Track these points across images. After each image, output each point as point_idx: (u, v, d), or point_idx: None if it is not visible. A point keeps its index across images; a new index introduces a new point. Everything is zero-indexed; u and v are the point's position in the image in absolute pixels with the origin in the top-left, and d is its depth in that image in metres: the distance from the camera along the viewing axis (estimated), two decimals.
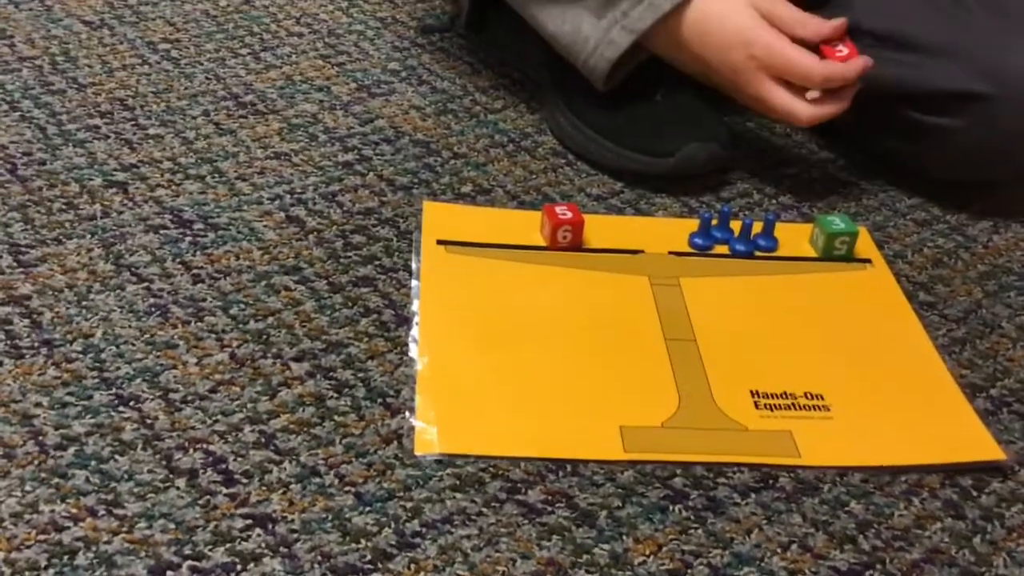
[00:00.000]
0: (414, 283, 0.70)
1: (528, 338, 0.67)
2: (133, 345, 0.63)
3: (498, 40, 0.96)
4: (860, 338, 0.70)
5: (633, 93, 0.83)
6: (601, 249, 0.75)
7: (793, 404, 0.64)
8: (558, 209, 0.74)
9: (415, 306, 0.68)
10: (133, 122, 0.84)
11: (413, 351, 0.65)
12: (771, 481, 0.59)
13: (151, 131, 0.83)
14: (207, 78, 0.90)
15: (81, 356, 0.62)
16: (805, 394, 0.64)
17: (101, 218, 0.73)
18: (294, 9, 1.03)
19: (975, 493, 0.60)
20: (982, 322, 0.73)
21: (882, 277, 0.75)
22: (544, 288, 0.71)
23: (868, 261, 0.76)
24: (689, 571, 0.54)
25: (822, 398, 0.64)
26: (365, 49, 0.97)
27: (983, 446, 0.62)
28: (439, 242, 0.74)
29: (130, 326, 0.64)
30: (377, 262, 0.72)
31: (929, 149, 0.83)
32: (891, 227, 0.81)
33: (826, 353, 0.68)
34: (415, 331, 0.66)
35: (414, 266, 0.72)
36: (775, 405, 0.63)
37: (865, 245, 0.78)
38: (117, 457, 0.56)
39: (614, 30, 0.76)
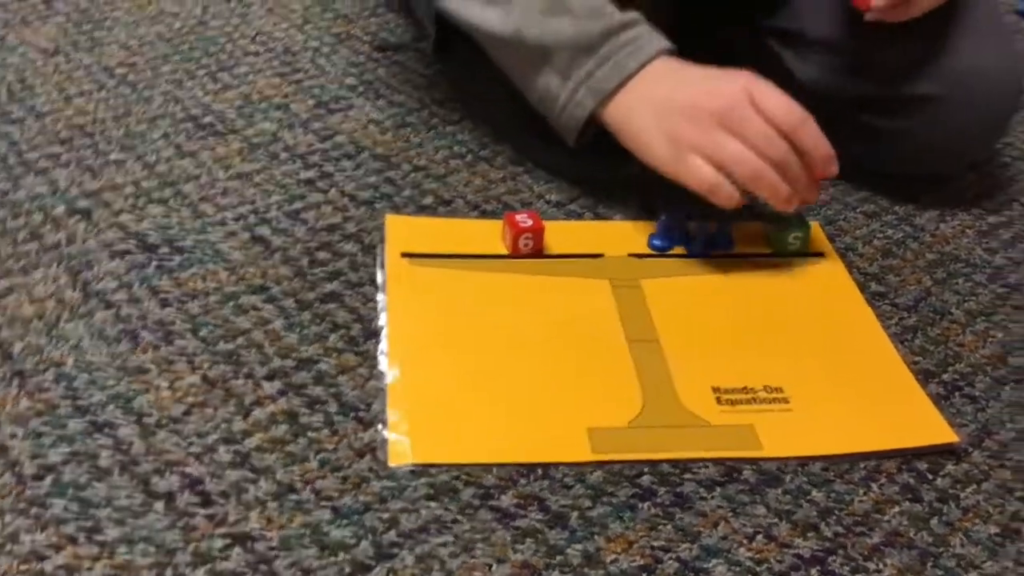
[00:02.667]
0: (380, 297, 0.71)
1: (494, 346, 0.68)
2: (105, 372, 0.64)
3: (463, 65, 0.97)
4: (816, 330, 0.72)
5: None
6: (562, 255, 0.77)
7: (754, 398, 0.66)
8: (518, 217, 0.76)
9: (382, 319, 0.69)
10: (93, 148, 0.84)
11: (382, 364, 0.66)
12: (735, 474, 0.61)
13: (112, 156, 0.83)
14: (165, 100, 0.91)
15: (54, 385, 0.63)
16: (765, 387, 0.66)
17: (66, 246, 0.74)
18: (249, 28, 1.03)
19: (931, 476, 0.62)
20: (932, 309, 0.76)
21: (835, 270, 0.78)
22: (508, 296, 0.73)
23: (821, 255, 0.79)
24: (659, 566, 0.56)
25: (781, 391, 0.66)
26: (322, 65, 0.98)
27: (937, 430, 0.64)
28: (403, 255, 0.75)
29: (101, 353, 0.65)
30: (343, 277, 0.73)
31: (880, 149, 0.85)
32: (842, 220, 0.84)
33: (784, 347, 0.70)
34: (383, 344, 0.67)
35: (379, 280, 0.73)
36: (736, 400, 0.65)
37: (818, 239, 0.80)
38: (95, 484, 0.57)
39: (580, 91, 0.75)
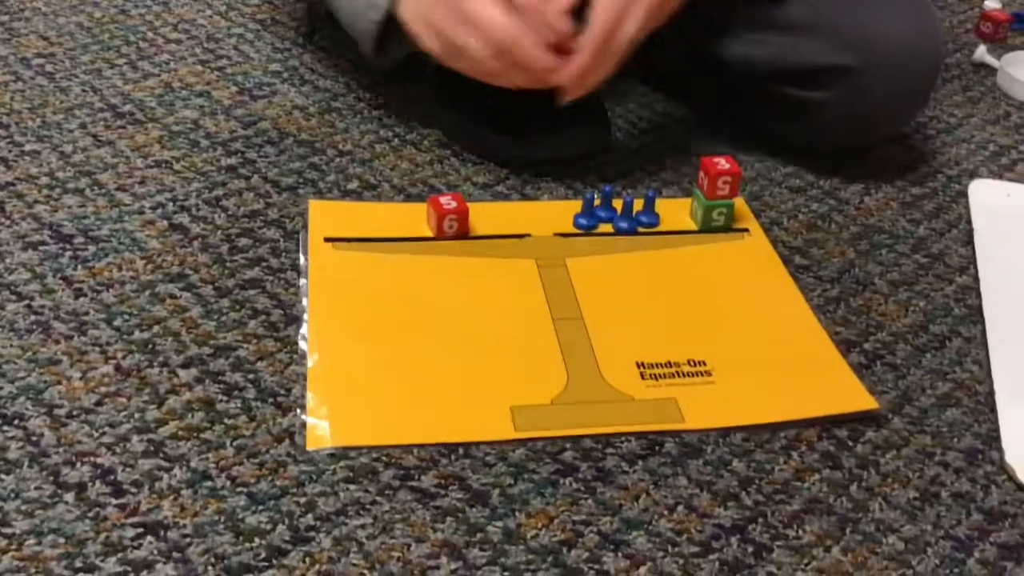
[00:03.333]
0: (302, 281, 0.70)
1: (418, 327, 0.68)
2: (15, 364, 0.62)
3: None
4: (740, 304, 0.72)
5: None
6: (488, 236, 0.76)
7: (677, 372, 0.66)
8: (443, 199, 0.75)
9: (304, 304, 0.69)
10: (8, 139, 0.82)
11: (303, 348, 0.65)
12: (657, 447, 0.61)
13: (27, 147, 0.81)
14: (83, 90, 0.89)
15: None
16: (688, 361, 0.66)
17: None
18: (171, 16, 1.02)
19: (851, 444, 0.63)
20: (855, 280, 0.76)
21: (759, 244, 0.78)
22: (432, 278, 0.72)
23: (745, 230, 0.79)
24: (580, 540, 0.55)
25: (704, 364, 0.66)
26: (245, 52, 0.97)
27: (857, 397, 0.65)
28: (326, 239, 0.74)
29: (12, 345, 0.64)
30: (264, 264, 0.72)
31: (802, 122, 0.86)
32: (767, 196, 0.84)
33: (708, 321, 0.70)
34: (304, 329, 0.67)
35: (302, 265, 0.72)
36: (660, 375, 0.65)
37: (742, 215, 0.80)
38: (3, 476, 0.56)
39: None
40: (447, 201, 0.75)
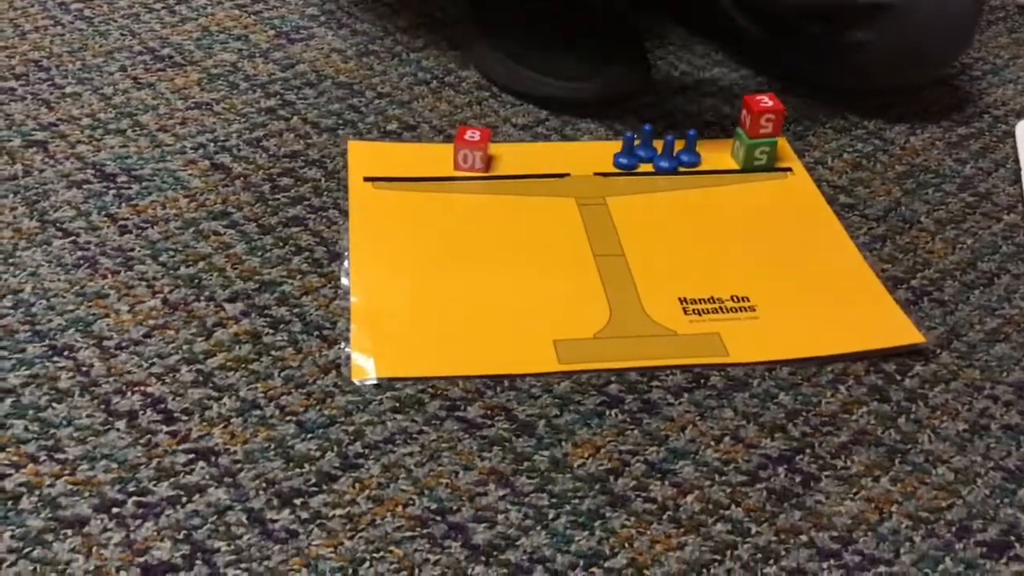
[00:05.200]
0: (343, 220, 0.70)
1: (459, 264, 0.67)
2: (63, 297, 0.63)
3: None
4: (783, 242, 0.71)
5: (567, 27, 0.84)
6: (527, 175, 0.76)
7: (720, 307, 0.65)
8: (468, 133, 0.75)
9: (346, 242, 0.69)
10: (49, 82, 0.83)
11: (346, 284, 0.65)
12: (703, 381, 0.61)
13: (68, 90, 0.82)
14: (122, 34, 0.89)
15: (12, 312, 0.62)
16: (732, 297, 0.66)
17: (23, 177, 0.72)
18: None
19: (899, 377, 0.62)
20: (901, 219, 0.75)
21: (802, 183, 0.77)
22: (472, 216, 0.72)
23: (788, 170, 0.78)
24: (627, 468, 0.55)
25: (748, 300, 0.66)
26: None
27: (904, 331, 0.64)
28: (366, 179, 0.74)
29: (59, 279, 0.64)
30: (306, 202, 0.72)
31: (843, 63, 0.84)
32: (811, 135, 0.83)
33: (750, 258, 0.70)
34: (347, 265, 0.67)
35: (343, 203, 0.72)
36: (703, 310, 0.65)
37: (785, 154, 0.80)
38: (55, 405, 0.56)
39: None
40: (471, 135, 0.75)
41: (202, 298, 0.64)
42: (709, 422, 0.58)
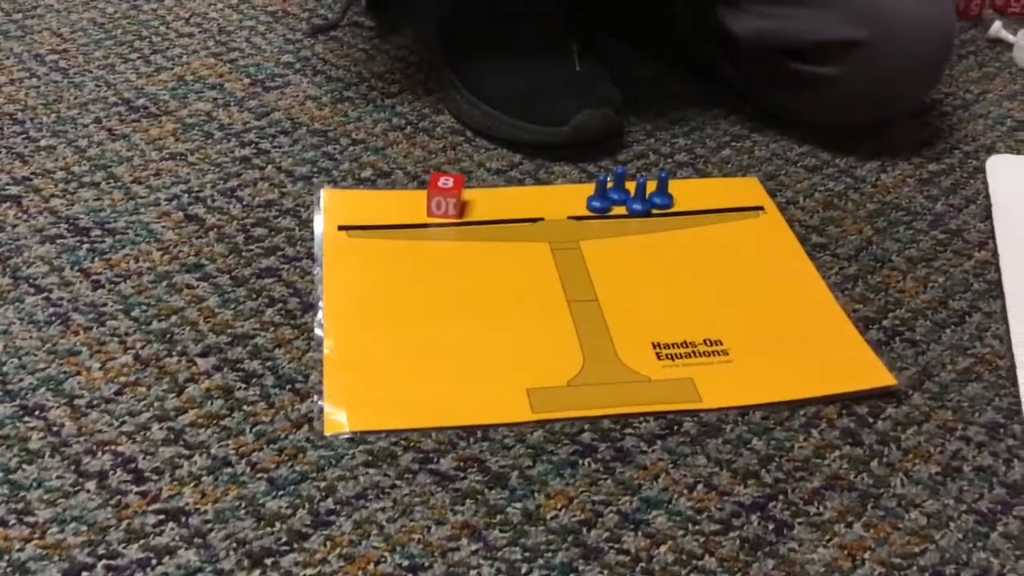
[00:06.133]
0: (317, 270, 0.71)
1: (432, 312, 0.68)
2: (35, 355, 0.63)
3: (394, 20, 0.97)
4: (756, 283, 0.72)
5: (544, 59, 0.84)
6: (501, 220, 0.76)
7: (693, 352, 0.65)
8: (441, 179, 0.75)
9: (319, 292, 0.69)
10: (24, 135, 0.83)
11: (319, 335, 0.65)
12: (676, 427, 0.61)
13: (43, 143, 0.82)
14: (97, 85, 0.90)
15: None
16: (704, 341, 0.66)
17: None
18: (183, 10, 1.02)
19: (871, 420, 0.62)
20: (873, 258, 0.76)
21: (775, 223, 0.77)
22: (446, 263, 0.72)
23: (761, 209, 0.79)
24: (600, 520, 0.55)
25: (721, 343, 0.66)
26: (257, 44, 0.97)
27: (876, 374, 0.64)
28: (340, 228, 0.74)
29: (31, 337, 0.64)
30: (280, 252, 0.72)
31: (814, 98, 0.85)
32: (783, 175, 0.84)
33: (723, 300, 0.70)
34: (320, 316, 0.67)
35: (316, 253, 0.72)
36: (676, 355, 0.65)
37: (757, 194, 0.80)
38: (25, 466, 0.56)
39: None
40: (444, 182, 0.75)
41: (174, 353, 0.64)
42: (682, 470, 0.58)
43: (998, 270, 0.74)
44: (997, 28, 1.06)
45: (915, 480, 0.59)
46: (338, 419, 0.60)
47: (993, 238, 0.78)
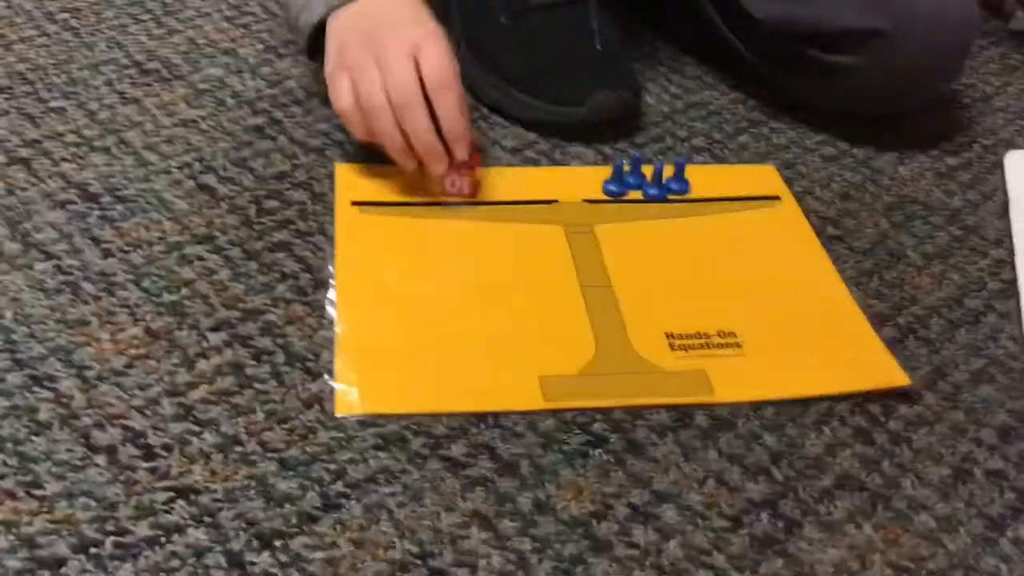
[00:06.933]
0: (329, 245, 0.70)
1: (444, 293, 0.67)
2: (45, 324, 0.62)
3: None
4: (770, 274, 0.71)
5: (563, 36, 0.83)
6: (516, 201, 0.75)
7: (706, 343, 0.65)
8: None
9: (331, 269, 0.68)
10: (34, 96, 0.82)
11: (331, 313, 0.65)
12: (688, 420, 0.61)
13: (53, 104, 0.81)
14: (108, 46, 0.88)
15: None
16: (718, 332, 0.66)
17: (6, 196, 0.71)
18: None
19: (883, 419, 0.62)
20: (889, 252, 0.75)
21: (791, 213, 0.77)
22: (459, 242, 0.71)
23: (777, 198, 0.78)
24: (610, 512, 0.55)
25: (734, 335, 0.66)
26: (271, 9, 0.95)
27: (889, 372, 0.64)
28: (353, 203, 0.74)
29: (40, 305, 0.63)
30: (292, 226, 0.72)
31: (834, 87, 0.84)
32: (800, 164, 0.83)
33: (738, 291, 0.69)
34: (332, 293, 0.66)
35: (329, 228, 0.71)
36: (689, 345, 0.65)
37: (774, 182, 0.79)
38: (34, 438, 0.56)
39: None
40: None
41: (185, 327, 0.63)
42: (693, 464, 0.58)
43: (1013, 269, 0.74)
44: (1020, 20, 1.05)
45: (926, 482, 0.59)
46: (349, 400, 0.59)
47: (1009, 236, 0.77)
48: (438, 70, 0.70)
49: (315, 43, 0.76)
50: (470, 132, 0.72)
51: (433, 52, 0.70)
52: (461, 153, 0.72)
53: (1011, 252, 0.76)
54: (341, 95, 0.71)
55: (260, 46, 0.90)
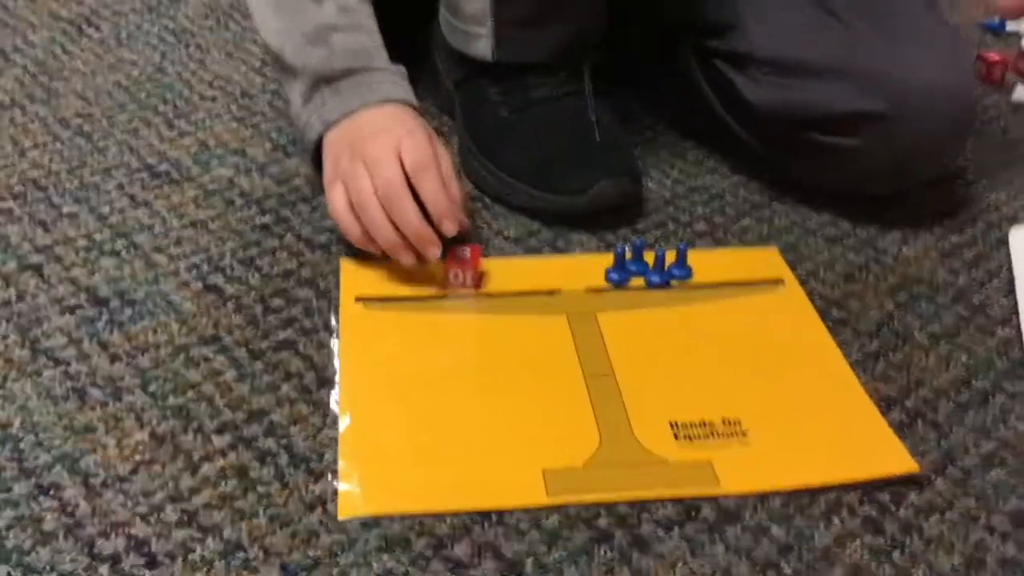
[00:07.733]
0: (334, 342, 0.71)
1: (448, 388, 0.67)
2: (51, 432, 0.63)
3: (416, 82, 0.97)
4: (775, 360, 0.71)
5: (563, 128, 0.85)
6: (518, 292, 0.76)
7: (712, 432, 0.65)
8: (458, 251, 0.75)
9: (335, 366, 0.69)
10: (47, 202, 0.84)
11: (335, 412, 0.65)
12: (694, 513, 0.60)
13: (65, 210, 0.83)
14: (120, 150, 0.90)
15: (0, 447, 0.62)
16: (723, 420, 0.65)
17: (16, 303, 0.73)
18: (207, 73, 1.03)
19: (893, 508, 0.61)
20: (894, 334, 0.75)
21: (795, 297, 0.77)
22: (463, 336, 0.72)
23: (781, 282, 0.78)
24: None
25: (740, 423, 0.65)
26: (280, 108, 0.97)
27: (897, 459, 0.63)
28: (357, 299, 0.74)
29: (48, 412, 0.64)
30: (297, 324, 0.72)
31: (832, 168, 0.85)
32: (803, 246, 0.83)
33: (742, 377, 0.69)
34: (335, 391, 0.67)
35: (333, 325, 0.72)
36: (694, 435, 0.64)
37: (777, 265, 0.80)
38: (38, 549, 0.56)
39: (313, 116, 0.79)
40: (461, 252, 0.75)
41: (190, 430, 0.64)
42: (700, 559, 0.58)
43: (1022, 348, 0.73)
44: (1020, 92, 1.06)
45: (937, 572, 0.58)
46: (352, 500, 0.59)
47: (1016, 314, 0.77)
48: (416, 156, 0.73)
49: (319, 158, 0.80)
50: (458, 212, 0.74)
51: (411, 143, 0.74)
52: (449, 230, 0.73)
53: (1018, 330, 0.75)
54: (336, 201, 0.75)
55: (268, 145, 0.92)
